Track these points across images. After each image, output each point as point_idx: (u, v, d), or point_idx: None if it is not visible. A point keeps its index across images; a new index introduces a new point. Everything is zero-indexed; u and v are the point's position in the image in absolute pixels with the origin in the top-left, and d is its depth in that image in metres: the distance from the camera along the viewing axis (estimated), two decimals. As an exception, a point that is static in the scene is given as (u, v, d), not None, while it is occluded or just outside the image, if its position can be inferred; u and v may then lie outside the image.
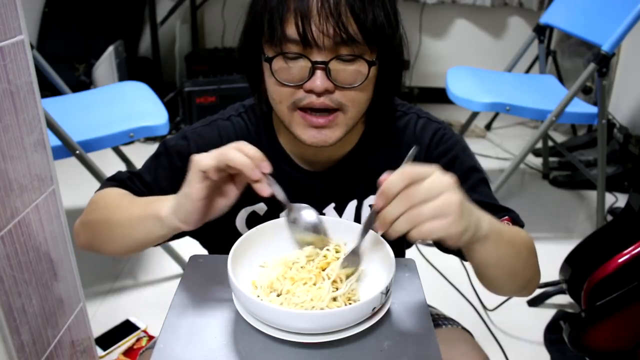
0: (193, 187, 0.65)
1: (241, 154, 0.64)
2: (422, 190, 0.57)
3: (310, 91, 0.72)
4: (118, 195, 0.82)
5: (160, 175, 0.85)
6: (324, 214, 0.86)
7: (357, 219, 0.87)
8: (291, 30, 0.69)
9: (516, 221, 0.80)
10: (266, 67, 0.74)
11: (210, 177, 0.64)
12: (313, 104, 0.72)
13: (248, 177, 0.65)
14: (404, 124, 0.86)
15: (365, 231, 0.68)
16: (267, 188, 0.66)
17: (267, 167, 0.65)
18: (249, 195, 0.86)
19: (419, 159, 0.85)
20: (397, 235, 0.59)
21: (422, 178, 0.58)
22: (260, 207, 0.86)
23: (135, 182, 0.85)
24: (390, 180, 0.58)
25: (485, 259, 0.68)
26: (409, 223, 0.58)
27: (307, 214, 0.73)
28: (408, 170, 0.58)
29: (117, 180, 0.85)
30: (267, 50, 0.73)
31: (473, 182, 0.84)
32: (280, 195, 0.69)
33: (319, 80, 0.70)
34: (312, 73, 0.70)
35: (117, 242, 0.78)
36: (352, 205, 0.87)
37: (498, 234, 0.66)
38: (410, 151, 0.61)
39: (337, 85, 0.72)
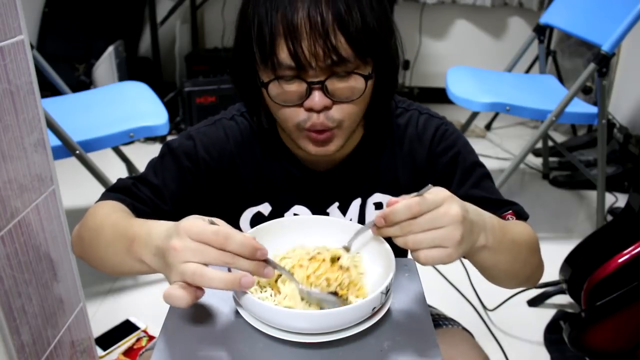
0: (176, 291, 0.57)
1: (218, 273, 0.57)
2: (425, 221, 0.59)
3: (310, 109, 0.72)
4: (108, 215, 0.75)
5: (167, 177, 0.82)
6: (327, 214, 0.87)
7: (362, 217, 0.88)
8: (283, 55, 0.68)
9: (520, 214, 0.80)
10: (264, 90, 0.74)
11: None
12: (315, 125, 0.73)
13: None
14: (405, 121, 0.86)
15: (358, 234, 0.68)
16: (270, 271, 0.61)
17: (263, 254, 0.60)
18: (253, 196, 0.86)
19: (421, 155, 0.85)
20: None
21: (428, 210, 0.59)
22: (265, 207, 0.86)
23: (140, 187, 0.81)
24: (395, 208, 0.59)
25: (482, 264, 0.71)
26: (405, 246, 0.61)
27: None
28: (416, 205, 0.59)
29: (119, 189, 0.81)
30: (262, 75, 0.73)
31: (477, 177, 0.84)
32: (284, 271, 0.66)
33: (317, 98, 0.70)
34: (309, 92, 0.71)
35: (105, 267, 0.74)
36: (356, 203, 0.87)
37: (497, 244, 0.67)
38: (424, 188, 0.61)
39: (335, 101, 0.72)
